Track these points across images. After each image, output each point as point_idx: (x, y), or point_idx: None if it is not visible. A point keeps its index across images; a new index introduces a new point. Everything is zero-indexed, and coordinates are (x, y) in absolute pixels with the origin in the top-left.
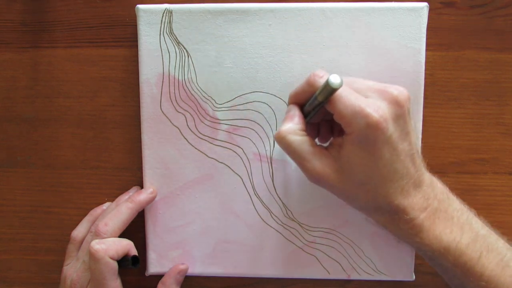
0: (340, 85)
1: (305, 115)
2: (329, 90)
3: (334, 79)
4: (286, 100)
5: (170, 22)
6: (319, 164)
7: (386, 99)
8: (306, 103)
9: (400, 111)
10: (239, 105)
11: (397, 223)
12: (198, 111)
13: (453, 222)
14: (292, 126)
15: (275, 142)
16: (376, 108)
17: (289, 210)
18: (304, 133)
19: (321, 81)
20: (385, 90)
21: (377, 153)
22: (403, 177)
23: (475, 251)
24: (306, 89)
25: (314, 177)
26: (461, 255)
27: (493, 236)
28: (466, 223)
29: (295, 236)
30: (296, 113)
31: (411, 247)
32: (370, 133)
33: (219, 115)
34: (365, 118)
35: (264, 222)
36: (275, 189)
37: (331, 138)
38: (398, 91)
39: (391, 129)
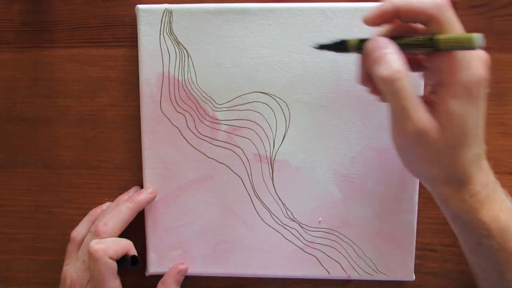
0: (481, 47)
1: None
2: (466, 47)
3: (481, 41)
4: (286, 100)
5: (170, 22)
6: (424, 115)
7: (481, 60)
8: (412, 21)
9: (487, 76)
10: (239, 105)
11: (464, 195)
12: (198, 111)
13: (506, 203)
14: (404, 67)
15: (385, 83)
16: (486, 63)
17: (289, 210)
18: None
19: (451, 15)
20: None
21: (478, 110)
22: (478, 144)
23: None
24: (428, 9)
25: (415, 130)
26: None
27: None
28: None
29: (295, 236)
30: (395, 50)
31: (464, 225)
32: (477, 88)
33: (219, 115)
34: (478, 70)
35: (264, 222)
36: (275, 190)
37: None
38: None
39: (487, 88)
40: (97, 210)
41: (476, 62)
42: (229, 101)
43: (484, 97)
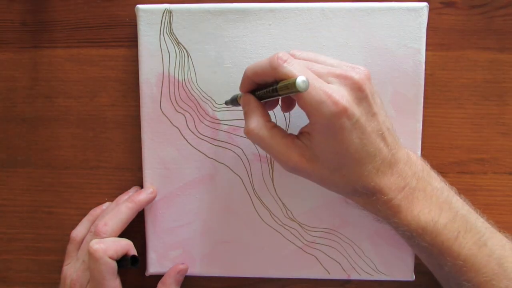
0: (307, 89)
1: (261, 97)
2: (295, 91)
3: (302, 84)
4: None
5: (170, 22)
6: (293, 155)
7: (348, 85)
8: (262, 84)
9: (362, 95)
10: (239, 105)
11: (375, 204)
12: (198, 111)
13: (432, 201)
14: (260, 120)
15: (248, 138)
16: (340, 96)
17: (289, 210)
18: (272, 124)
19: (285, 67)
20: (345, 75)
21: (346, 139)
22: (375, 158)
23: (453, 231)
24: (267, 71)
25: (290, 167)
26: (438, 235)
27: (472, 215)
28: (445, 202)
29: (295, 236)
30: (256, 104)
31: (391, 226)
32: (336, 121)
33: (219, 115)
34: (330, 107)
35: (264, 222)
36: (275, 189)
37: (300, 128)
38: (358, 74)
39: (357, 114)
40: (97, 210)
41: (327, 99)
42: None
43: (354, 124)
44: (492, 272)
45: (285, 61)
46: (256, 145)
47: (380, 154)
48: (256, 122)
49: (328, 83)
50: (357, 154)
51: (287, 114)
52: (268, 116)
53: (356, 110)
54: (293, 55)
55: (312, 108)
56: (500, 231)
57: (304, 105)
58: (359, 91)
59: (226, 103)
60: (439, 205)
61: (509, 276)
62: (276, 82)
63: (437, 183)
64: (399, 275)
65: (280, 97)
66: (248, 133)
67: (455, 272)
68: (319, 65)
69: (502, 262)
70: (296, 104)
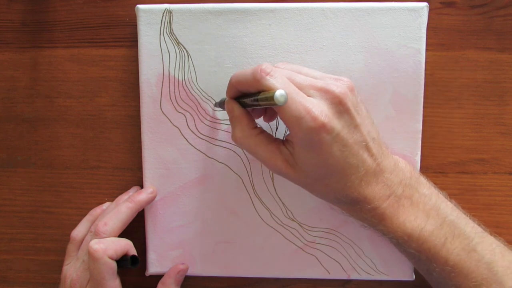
0: (285, 103)
1: (245, 104)
2: (273, 104)
3: (281, 97)
4: None
5: (170, 22)
6: (277, 161)
7: (328, 99)
8: (246, 92)
9: (343, 108)
10: None
11: (359, 212)
12: (198, 111)
13: (419, 208)
14: (245, 128)
15: (235, 145)
16: (319, 111)
17: (289, 210)
18: (258, 131)
19: (268, 79)
20: (327, 89)
21: (325, 153)
22: (359, 169)
23: (440, 237)
24: (250, 82)
25: (275, 171)
26: (425, 242)
27: (462, 220)
28: (433, 209)
29: (295, 236)
30: (240, 112)
31: (378, 233)
32: (315, 136)
33: (219, 115)
34: (309, 122)
35: (264, 222)
36: (275, 189)
37: (286, 135)
38: (339, 88)
39: (337, 127)
40: (97, 210)
41: (306, 115)
42: None
43: (335, 138)
44: (481, 277)
45: (268, 73)
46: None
47: (363, 165)
48: (241, 131)
49: (309, 95)
50: (338, 166)
51: None
52: (253, 122)
53: (336, 124)
54: (277, 67)
55: (291, 122)
56: (492, 235)
57: (284, 119)
58: (339, 105)
59: (215, 105)
60: (426, 212)
61: (499, 281)
62: (259, 92)
63: (425, 189)
64: (399, 275)
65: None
66: (235, 141)
67: (444, 277)
68: (301, 77)
69: (491, 267)
70: None
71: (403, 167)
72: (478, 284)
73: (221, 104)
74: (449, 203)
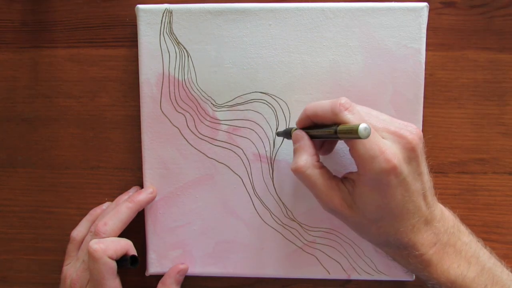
0: (368, 137)
1: (314, 136)
2: (355, 137)
3: (365, 131)
4: (286, 100)
5: (170, 22)
6: (335, 198)
7: (400, 143)
8: (319, 123)
9: (413, 155)
10: (239, 105)
11: (406, 257)
12: (198, 111)
13: (461, 256)
14: (309, 159)
15: (294, 174)
16: (392, 154)
17: (289, 210)
18: (320, 164)
19: (346, 115)
20: (400, 134)
21: (390, 195)
22: (414, 216)
23: (480, 284)
24: (327, 114)
25: (329, 208)
26: None
27: (498, 267)
28: (473, 256)
29: (295, 236)
30: (308, 143)
31: (421, 279)
32: (384, 177)
33: (219, 115)
34: (382, 163)
35: (264, 222)
36: (275, 189)
37: (346, 172)
38: (412, 134)
39: (405, 172)
40: (97, 210)
41: (380, 155)
42: (229, 101)
43: (401, 182)
44: None
45: (347, 108)
46: (302, 183)
47: (419, 212)
48: (305, 160)
49: (382, 138)
50: (397, 210)
51: (288, 115)
52: (318, 156)
53: (404, 169)
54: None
55: (363, 160)
56: None
57: (357, 156)
58: (411, 151)
59: (278, 134)
60: (468, 259)
61: None
62: (335, 124)
63: (465, 237)
64: (399, 275)
65: (327, 140)
66: (296, 170)
67: None
68: (376, 118)
69: None
70: (331, 149)
71: (447, 215)
72: None
73: (286, 134)
74: (485, 250)
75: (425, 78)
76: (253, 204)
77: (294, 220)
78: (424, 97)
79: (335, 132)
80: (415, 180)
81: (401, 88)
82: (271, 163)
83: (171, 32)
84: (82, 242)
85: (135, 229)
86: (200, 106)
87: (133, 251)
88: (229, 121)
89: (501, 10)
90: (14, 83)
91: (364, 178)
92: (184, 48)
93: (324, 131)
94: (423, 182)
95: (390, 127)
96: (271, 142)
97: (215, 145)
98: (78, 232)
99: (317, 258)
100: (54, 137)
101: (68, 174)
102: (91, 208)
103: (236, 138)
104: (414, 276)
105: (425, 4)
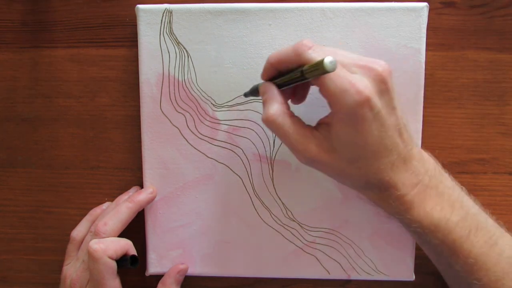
0: (335, 69)
1: (281, 84)
2: (321, 72)
3: (330, 63)
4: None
5: (170, 22)
6: (310, 145)
7: (371, 76)
8: (284, 71)
9: (385, 87)
10: (239, 105)
11: (388, 199)
12: (198, 111)
13: (444, 199)
14: (279, 107)
15: (266, 125)
16: (363, 86)
17: (289, 210)
18: (291, 113)
19: (310, 53)
20: (369, 67)
21: (366, 130)
22: (392, 152)
23: (464, 229)
24: (291, 58)
25: (306, 158)
26: (450, 233)
27: (482, 214)
28: (457, 201)
29: (295, 236)
30: (276, 91)
31: (402, 224)
32: (359, 110)
33: (219, 115)
34: (354, 96)
35: (264, 222)
36: (275, 190)
37: (319, 119)
38: (381, 67)
39: (379, 105)
40: (97, 210)
41: (350, 88)
42: (229, 101)
43: (375, 115)
44: (502, 271)
45: (310, 47)
46: (275, 134)
47: (396, 149)
48: (275, 109)
49: (352, 73)
50: (375, 147)
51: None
52: (288, 104)
53: (378, 101)
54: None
55: (335, 97)
56: (508, 232)
57: (327, 93)
58: (382, 83)
59: (245, 95)
60: (451, 203)
61: None
62: (300, 67)
63: (448, 182)
64: (399, 275)
65: (294, 85)
66: (267, 120)
67: (466, 271)
68: (342, 55)
69: None
70: (304, 98)
71: (427, 158)
72: (500, 278)
73: (252, 92)
74: (469, 197)
75: (425, 78)
76: (253, 204)
77: (294, 220)
78: (424, 97)
79: (302, 73)
80: (389, 115)
81: (401, 88)
82: (271, 163)
83: (171, 32)
84: (82, 242)
85: (135, 229)
86: (200, 106)
87: (133, 251)
88: (229, 121)
89: (501, 10)
90: (14, 83)
91: (338, 115)
92: (184, 48)
93: (290, 76)
94: (397, 117)
95: (358, 62)
96: (271, 142)
97: (215, 145)
98: (78, 232)
99: (317, 258)
100: (54, 137)
101: (68, 174)
102: (91, 208)
103: (236, 138)
104: (414, 276)
105: (425, 4)
